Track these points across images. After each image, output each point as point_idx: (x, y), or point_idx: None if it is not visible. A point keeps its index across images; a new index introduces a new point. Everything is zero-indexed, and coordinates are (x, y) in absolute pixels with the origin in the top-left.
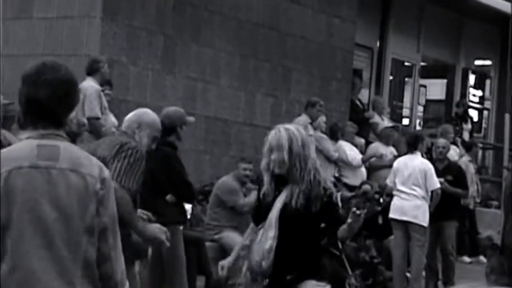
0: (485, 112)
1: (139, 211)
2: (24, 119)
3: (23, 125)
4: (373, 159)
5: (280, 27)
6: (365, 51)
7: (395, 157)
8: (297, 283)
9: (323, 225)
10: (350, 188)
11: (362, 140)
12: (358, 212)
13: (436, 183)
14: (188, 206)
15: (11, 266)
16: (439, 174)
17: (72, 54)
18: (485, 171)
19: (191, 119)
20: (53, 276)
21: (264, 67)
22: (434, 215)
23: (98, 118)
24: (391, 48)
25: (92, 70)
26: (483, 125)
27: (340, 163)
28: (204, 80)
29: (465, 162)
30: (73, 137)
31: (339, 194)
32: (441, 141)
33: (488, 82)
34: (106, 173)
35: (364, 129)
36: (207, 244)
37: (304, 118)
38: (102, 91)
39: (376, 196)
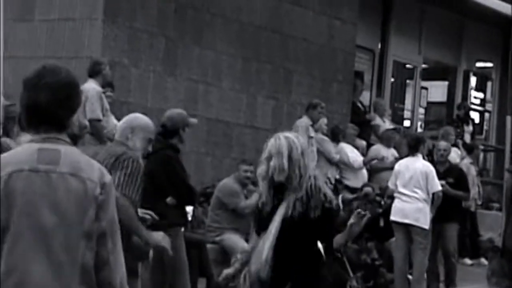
0: (487, 114)
1: (141, 211)
2: (26, 123)
3: (26, 129)
4: (374, 161)
5: (282, 29)
6: (367, 53)
7: (396, 159)
8: None
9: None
10: (351, 190)
11: (363, 142)
12: (363, 212)
13: (437, 185)
14: (189, 208)
15: (8, 269)
16: (440, 176)
17: (73, 56)
18: (486, 173)
19: (193, 120)
20: (50, 280)
21: (265, 69)
22: (435, 217)
23: (99, 120)
24: (392, 50)
25: (93, 72)
26: (485, 127)
27: (341, 165)
28: (206, 82)
29: (466, 164)
30: (75, 139)
31: (340, 196)
32: (442, 144)
33: (489, 84)
34: (107, 178)
35: (365, 131)
36: (208, 246)
37: (305, 120)
38: (104, 93)
39: (378, 198)
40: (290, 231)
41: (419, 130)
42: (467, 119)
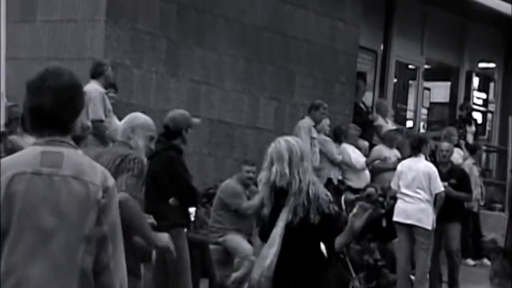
0: (489, 115)
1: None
2: (30, 126)
3: (30, 131)
4: (376, 162)
5: (284, 30)
6: (369, 54)
7: (399, 160)
8: None
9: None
10: (354, 191)
11: (366, 143)
12: (367, 205)
13: (440, 186)
14: (192, 209)
15: (7, 269)
16: (442, 177)
17: (76, 57)
18: (489, 174)
19: (196, 120)
20: (49, 282)
21: (267, 70)
22: (438, 218)
23: (102, 121)
24: (395, 51)
25: (96, 73)
26: (487, 128)
27: (344, 166)
28: (208, 83)
29: (469, 165)
30: (77, 141)
31: (342, 197)
32: (445, 145)
33: (492, 84)
34: (111, 181)
35: (368, 132)
36: (211, 247)
37: (307, 121)
38: (106, 94)
39: (380, 199)
40: (292, 236)
41: (422, 130)
42: (469, 119)
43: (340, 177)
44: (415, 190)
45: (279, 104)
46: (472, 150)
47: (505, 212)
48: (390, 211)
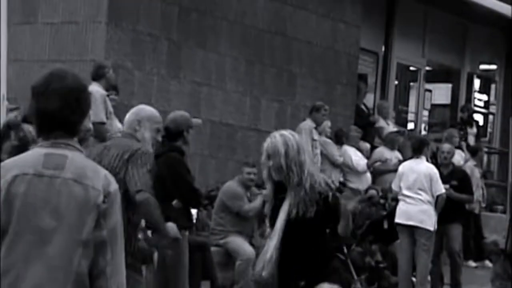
0: (490, 117)
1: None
2: (37, 129)
3: (37, 134)
4: (377, 164)
5: (285, 32)
6: (370, 56)
7: (400, 162)
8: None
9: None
10: (356, 192)
11: (367, 145)
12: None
13: (441, 188)
14: (193, 211)
15: (5, 269)
16: (444, 179)
17: (77, 60)
18: (490, 175)
19: (197, 121)
20: (44, 283)
21: (269, 72)
22: (439, 219)
23: (103, 123)
24: (396, 53)
25: (97, 75)
26: (488, 129)
27: (345, 168)
28: (210, 85)
29: (470, 166)
30: (79, 143)
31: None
32: (446, 146)
33: (493, 86)
34: (113, 187)
35: (369, 134)
36: (212, 249)
37: (309, 123)
38: (108, 96)
39: (382, 201)
40: (294, 229)
41: (423, 132)
42: (471, 121)
43: (341, 179)
44: (417, 192)
45: (281, 106)
46: (473, 151)
47: (506, 213)
48: (391, 213)
